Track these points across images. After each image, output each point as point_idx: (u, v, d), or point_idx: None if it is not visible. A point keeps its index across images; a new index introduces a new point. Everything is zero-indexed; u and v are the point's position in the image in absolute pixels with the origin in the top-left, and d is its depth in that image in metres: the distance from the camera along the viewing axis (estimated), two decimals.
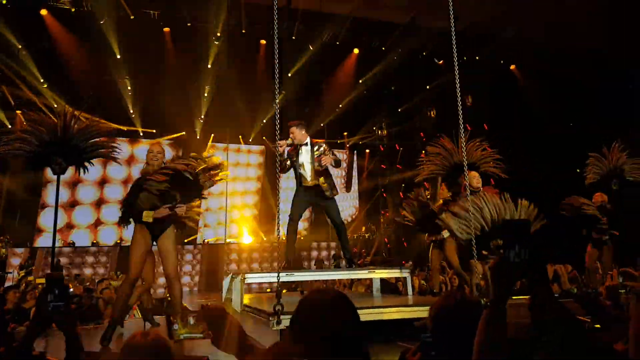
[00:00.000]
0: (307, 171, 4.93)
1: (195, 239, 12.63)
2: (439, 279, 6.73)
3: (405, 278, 5.33)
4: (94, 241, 12.34)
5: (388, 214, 14.50)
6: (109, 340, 3.80)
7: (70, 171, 4.30)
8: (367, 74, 13.19)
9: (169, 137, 13.07)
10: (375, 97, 14.21)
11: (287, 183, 14.82)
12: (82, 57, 10.77)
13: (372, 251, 13.02)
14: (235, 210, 14.27)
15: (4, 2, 9.76)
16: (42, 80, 11.12)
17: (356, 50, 12.72)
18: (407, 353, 1.56)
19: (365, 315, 3.74)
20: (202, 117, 13.37)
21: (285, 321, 3.21)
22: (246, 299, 4.90)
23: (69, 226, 12.53)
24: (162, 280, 8.94)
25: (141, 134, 12.97)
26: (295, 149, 4.98)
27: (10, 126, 10.40)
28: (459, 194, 4.90)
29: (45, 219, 12.04)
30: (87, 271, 11.33)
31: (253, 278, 4.85)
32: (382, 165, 15.40)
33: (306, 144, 4.98)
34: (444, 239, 6.10)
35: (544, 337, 1.33)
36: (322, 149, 4.97)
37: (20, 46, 10.47)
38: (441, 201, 5.80)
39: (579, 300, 1.94)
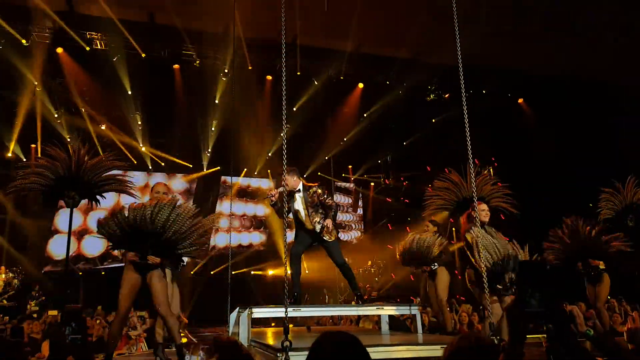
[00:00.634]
0: (304, 217, 4.93)
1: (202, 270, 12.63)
2: (449, 316, 6.57)
3: (414, 315, 5.23)
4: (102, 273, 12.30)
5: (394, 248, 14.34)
6: None
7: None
8: (372, 108, 13.39)
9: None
10: (380, 131, 14.37)
11: None
12: (95, 93, 11.09)
13: (386, 287, 12.80)
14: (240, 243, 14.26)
15: (23, 41, 10.17)
16: (56, 116, 11.39)
17: (361, 85, 12.97)
18: None
19: (374, 353, 3.65)
20: (209, 150, 13.54)
21: (294, 358, 3.15)
22: (252, 334, 4.81)
23: (78, 258, 12.50)
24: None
25: (150, 167, 13.12)
26: (291, 195, 4.94)
27: (25, 159, 10.61)
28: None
29: (55, 246, 12.04)
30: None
31: (260, 312, 4.78)
32: (388, 199, 15.38)
33: (299, 190, 4.95)
34: (436, 271, 6.04)
35: None
36: (312, 192, 4.94)
37: (36, 82, 10.79)
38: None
39: (596, 343, 1.88)
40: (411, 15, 10.16)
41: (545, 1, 9.88)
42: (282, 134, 3.60)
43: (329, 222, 4.88)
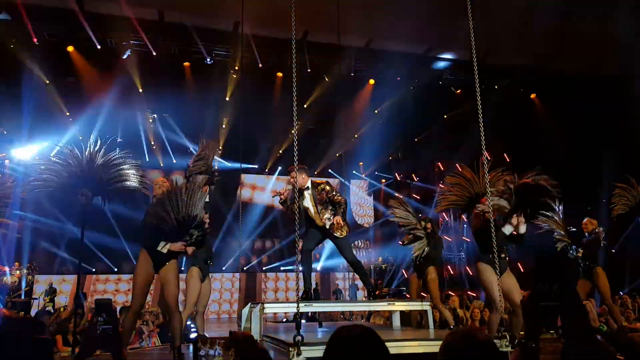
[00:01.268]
0: (313, 214, 4.91)
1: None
2: (446, 311, 6.58)
3: (426, 311, 5.22)
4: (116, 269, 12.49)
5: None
6: None
7: None
8: (383, 104, 13.32)
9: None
10: (391, 127, 14.30)
11: None
12: (106, 91, 11.18)
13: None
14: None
15: (35, 40, 10.26)
16: (67, 114, 11.51)
17: (372, 81, 12.90)
18: None
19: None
20: (220, 148, 13.60)
21: (306, 352, 3.16)
22: (264, 329, 4.84)
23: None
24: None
25: (162, 165, 13.23)
26: (300, 192, 4.92)
27: (38, 158, 10.73)
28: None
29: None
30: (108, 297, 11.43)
31: (272, 308, 4.80)
32: (398, 195, 15.32)
33: (307, 188, 4.93)
34: (427, 268, 6.00)
35: None
36: (321, 189, 4.92)
37: (47, 81, 10.90)
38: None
39: (609, 339, 1.86)
40: (422, 10, 10.07)
41: None
42: (293, 131, 3.58)
43: (338, 219, 4.87)
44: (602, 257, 5.98)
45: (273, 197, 4.96)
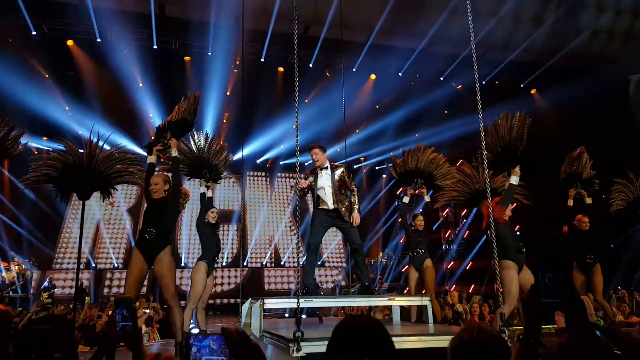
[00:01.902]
0: (327, 195, 4.84)
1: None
2: (438, 307, 6.61)
3: (425, 306, 5.23)
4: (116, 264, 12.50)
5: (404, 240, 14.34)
6: None
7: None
8: (384, 99, 13.29)
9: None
10: (393, 121, 14.27)
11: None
12: (106, 85, 11.13)
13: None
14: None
15: (34, 33, 10.20)
16: (67, 108, 11.47)
17: (373, 76, 12.86)
18: None
19: None
20: (221, 142, 13.56)
21: (306, 348, 3.17)
22: (264, 324, 4.84)
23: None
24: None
25: (162, 160, 13.20)
26: (315, 172, 4.92)
27: (36, 152, 10.69)
28: None
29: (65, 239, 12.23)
30: (105, 291, 11.48)
31: (272, 303, 4.80)
32: (399, 191, 15.32)
33: (326, 168, 4.91)
34: (424, 263, 6.06)
35: None
36: (342, 172, 4.92)
37: (47, 75, 10.86)
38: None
39: (607, 333, 1.87)
40: (424, 6, 10.03)
41: None
42: (294, 126, 3.57)
43: (355, 203, 4.87)
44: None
45: (301, 189, 4.82)
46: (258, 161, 14.68)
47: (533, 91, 13.19)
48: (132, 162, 4.53)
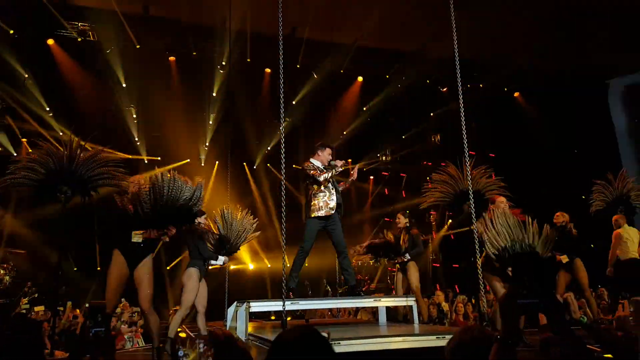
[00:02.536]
0: (334, 194, 4.99)
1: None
2: (425, 306, 6.70)
3: (411, 306, 5.26)
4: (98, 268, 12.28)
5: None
6: None
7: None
8: (372, 101, 13.35)
9: (174, 165, 13.15)
10: (380, 124, 14.34)
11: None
12: (88, 86, 10.96)
13: (376, 278, 12.89)
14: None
15: (12, 32, 9.99)
16: (47, 109, 11.28)
17: (360, 78, 12.90)
18: None
19: (372, 345, 3.67)
20: (207, 144, 13.48)
21: None
22: (250, 327, 4.82)
23: None
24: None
25: (146, 162, 13.04)
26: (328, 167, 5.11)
27: (15, 154, 10.47)
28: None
29: None
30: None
31: (258, 306, 4.77)
32: (386, 191, 15.37)
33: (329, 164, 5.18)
34: (407, 264, 6.15)
35: None
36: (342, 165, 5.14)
37: (26, 75, 10.65)
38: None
39: (589, 330, 1.90)
40: (411, 8, 10.10)
41: None
42: (280, 128, 3.57)
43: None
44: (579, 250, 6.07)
45: (334, 167, 5.02)
46: (245, 163, 14.58)
47: (516, 94, 13.38)
48: (115, 165, 4.45)
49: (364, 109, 13.62)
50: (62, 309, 7.18)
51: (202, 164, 13.63)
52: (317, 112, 13.32)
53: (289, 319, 7.21)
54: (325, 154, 5.18)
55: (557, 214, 6.06)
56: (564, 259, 5.84)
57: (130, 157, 12.42)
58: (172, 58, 11.43)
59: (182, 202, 3.94)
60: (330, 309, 9.24)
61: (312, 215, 4.90)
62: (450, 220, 13.38)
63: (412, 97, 13.21)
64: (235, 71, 11.51)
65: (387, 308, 5.76)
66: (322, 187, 4.92)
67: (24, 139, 10.65)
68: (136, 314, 7.64)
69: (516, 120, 12.84)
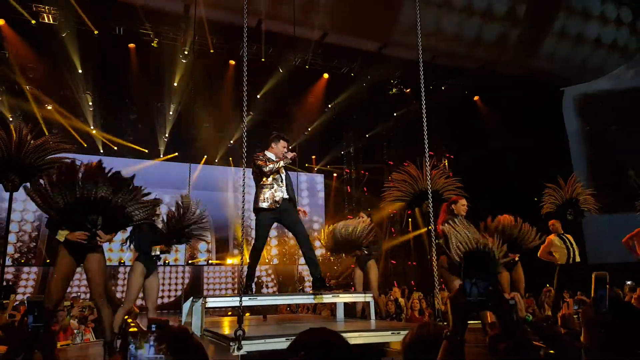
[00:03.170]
0: (283, 186, 4.81)
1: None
2: (382, 302, 6.87)
3: (368, 303, 5.35)
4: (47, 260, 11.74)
5: None
6: None
7: None
8: (336, 99, 13.40)
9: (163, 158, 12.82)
10: (344, 122, 14.43)
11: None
12: (41, 70, 10.41)
13: (345, 274, 13.02)
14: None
15: None
16: None
17: (326, 75, 12.92)
18: None
19: None
20: (167, 135, 13.14)
21: (247, 347, 3.13)
22: (206, 323, 4.76)
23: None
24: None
25: (102, 151, 12.57)
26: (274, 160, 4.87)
27: None
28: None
29: None
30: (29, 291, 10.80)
31: (214, 302, 4.72)
32: (348, 188, 15.53)
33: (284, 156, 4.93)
34: (368, 261, 6.27)
35: None
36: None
37: None
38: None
39: (534, 328, 2.01)
40: (378, 7, 10.20)
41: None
42: (244, 121, 3.51)
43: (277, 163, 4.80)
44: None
45: (284, 159, 4.80)
46: (205, 156, 14.33)
47: (476, 97, 13.81)
48: (67, 153, 4.26)
49: (329, 106, 13.67)
50: (7, 301, 6.83)
51: (161, 155, 13.30)
52: (281, 107, 13.24)
53: (247, 314, 7.17)
54: (280, 147, 4.91)
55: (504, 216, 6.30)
56: (516, 257, 6.06)
57: (85, 145, 11.95)
58: (132, 45, 11.02)
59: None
60: (289, 305, 9.26)
61: (256, 207, 4.75)
62: (409, 219, 13.67)
63: (376, 96, 13.36)
64: (197, 62, 11.23)
65: (345, 304, 5.84)
66: (270, 179, 4.73)
67: None
68: (87, 308, 7.39)
69: (475, 122, 13.24)
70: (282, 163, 4.76)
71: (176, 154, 13.04)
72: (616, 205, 8.57)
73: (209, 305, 4.52)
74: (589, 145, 12.54)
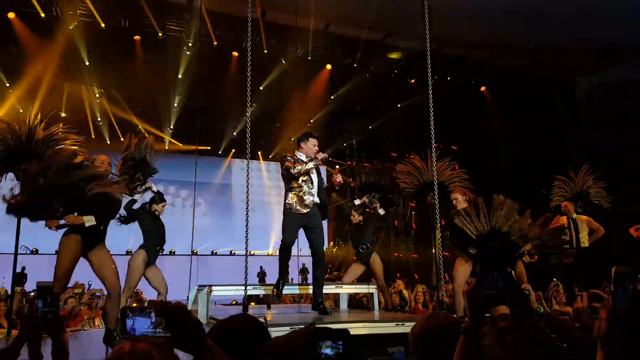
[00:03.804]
0: (315, 188, 4.46)
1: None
2: (389, 294, 6.87)
3: (372, 294, 5.39)
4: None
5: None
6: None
7: None
8: (339, 90, 13.33)
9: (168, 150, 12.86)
10: (347, 113, 14.37)
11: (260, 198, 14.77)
12: (50, 62, 10.44)
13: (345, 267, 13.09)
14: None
15: None
16: (7, 85, 10.72)
17: (329, 66, 12.85)
18: None
19: None
20: (171, 127, 13.18)
21: None
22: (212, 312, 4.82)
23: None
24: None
25: (109, 142, 12.64)
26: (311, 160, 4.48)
27: None
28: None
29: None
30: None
31: (220, 291, 4.79)
32: (350, 181, 15.51)
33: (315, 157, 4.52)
34: (371, 255, 6.16)
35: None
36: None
37: None
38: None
39: (546, 320, 2.01)
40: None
41: None
42: (247, 113, 3.52)
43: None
44: None
45: (315, 159, 4.39)
46: (209, 147, 14.36)
47: (483, 88, 13.67)
48: (75, 144, 4.31)
49: (332, 97, 13.60)
50: (19, 289, 6.96)
51: (166, 146, 13.35)
52: (284, 99, 13.18)
53: (252, 304, 7.23)
54: (310, 145, 4.47)
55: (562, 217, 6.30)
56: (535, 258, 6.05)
57: (92, 136, 12.03)
58: (137, 37, 11.00)
59: None
60: (292, 296, 9.33)
61: (284, 210, 4.48)
62: (413, 212, 13.66)
63: (380, 87, 13.27)
64: (201, 53, 11.20)
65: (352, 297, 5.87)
66: (299, 181, 4.35)
67: None
68: (95, 296, 7.49)
69: (481, 114, 13.12)
70: (311, 164, 4.35)
71: (180, 145, 13.08)
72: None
73: (214, 294, 4.61)
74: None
